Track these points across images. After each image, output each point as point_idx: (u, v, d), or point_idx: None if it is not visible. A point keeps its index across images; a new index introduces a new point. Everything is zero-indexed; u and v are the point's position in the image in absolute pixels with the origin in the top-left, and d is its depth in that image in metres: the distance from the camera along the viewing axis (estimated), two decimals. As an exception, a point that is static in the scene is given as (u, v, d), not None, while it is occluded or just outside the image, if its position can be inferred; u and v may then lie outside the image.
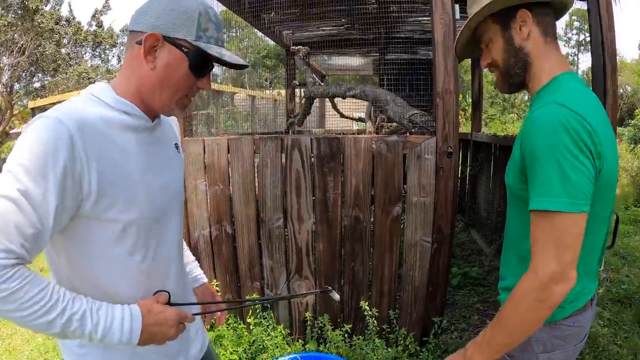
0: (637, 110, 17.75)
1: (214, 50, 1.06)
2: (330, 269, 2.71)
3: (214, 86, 6.03)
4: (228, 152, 2.82)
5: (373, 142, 2.57)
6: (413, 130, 2.65)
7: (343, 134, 5.09)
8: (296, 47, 4.66)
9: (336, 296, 1.39)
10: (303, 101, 3.98)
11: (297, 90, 5.62)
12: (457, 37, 1.33)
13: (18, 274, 0.88)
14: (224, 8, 4.05)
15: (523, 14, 1.19)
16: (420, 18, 4.40)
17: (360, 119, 5.15)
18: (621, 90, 27.56)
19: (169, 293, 1.10)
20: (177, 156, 1.25)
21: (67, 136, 0.92)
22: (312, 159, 2.62)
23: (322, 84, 3.95)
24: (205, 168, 2.92)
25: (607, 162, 1.08)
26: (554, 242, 1.02)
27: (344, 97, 3.24)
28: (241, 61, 1.12)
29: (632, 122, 16.37)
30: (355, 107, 4.54)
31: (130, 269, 1.07)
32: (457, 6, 2.70)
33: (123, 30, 20.32)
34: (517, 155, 1.14)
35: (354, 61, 6.90)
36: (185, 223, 3.03)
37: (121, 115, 1.05)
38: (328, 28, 4.92)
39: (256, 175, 2.76)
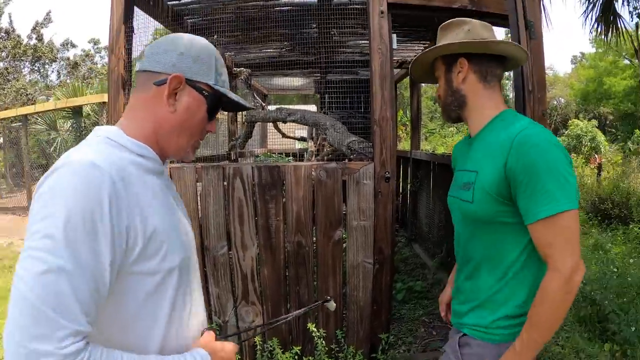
0: (570, 121, 18.86)
1: (232, 94, 1.09)
2: (276, 294, 2.75)
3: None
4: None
5: (313, 169, 2.64)
6: (352, 156, 2.75)
7: (285, 154, 5.16)
8: (238, 69, 4.71)
9: (332, 305, 1.50)
10: (244, 125, 4.02)
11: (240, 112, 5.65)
12: (414, 60, 1.56)
13: (92, 358, 0.80)
14: (161, 26, 4.03)
15: (462, 61, 1.41)
16: (360, 42, 4.57)
17: (302, 138, 5.24)
18: (555, 103, 29.29)
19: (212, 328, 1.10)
20: (177, 195, 1.21)
21: (109, 182, 0.84)
22: (254, 187, 2.67)
23: (264, 105, 4.01)
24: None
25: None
26: (566, 240, 1.19)
27: (284, 122, 3.31)
28: (247, 103, 1.18)
29: (566, 132, 17.40)
30: (298, 126, 4.63)
31: (169, 318, 0.99)
32: (394, 35, 2.82)
33: (64, 45, 19.64)
34: (496, 178, 1.28)
35: (296, 81, 7.02)
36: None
37: (139, 158, 0.98)
38: (270, 50, 5.00)
39: (199, 203, 2.78)
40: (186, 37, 1.07)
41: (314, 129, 4.46)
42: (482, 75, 1.41)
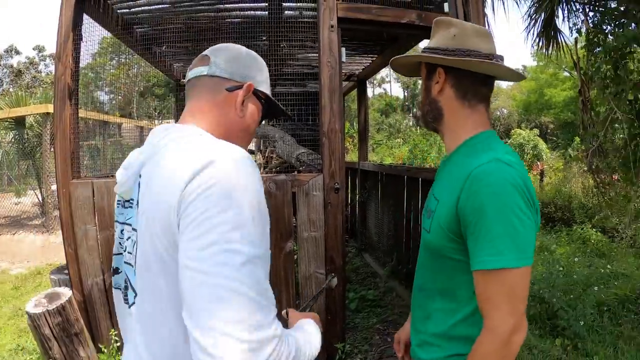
0: (512, 131, 19.65)
1: (277, 103, 1.18)
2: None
3: (100, 116, 5.81)
4: (118, 195, 2.74)
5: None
6: (301, 168, 2.78)
7: None
8: (186, 81, 4.64)
9: (334, 282, 1.56)
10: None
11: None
12: (395, 58, 1.38)
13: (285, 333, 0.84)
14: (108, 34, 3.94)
15: (440, 72, 1.24)
16: (309, 55, 4.63)
17: (250, 152, 5.22)
18: (498, 113, 30.55)
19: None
20: None
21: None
22: None
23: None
24: (95, 212, 2.82)
25: (538, 215, 1.14)
26: (507, 298, 1.03)
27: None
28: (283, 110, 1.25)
29: (509, 140, 18.07)
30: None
31: None
32: (343, 49, 2.88)
33: (8, 51, 18.69)
34: (449, 213, 1.13)
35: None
36: (77, 271, 2.88)
37: None
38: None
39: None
40: (245, 48, 1.13)
41: (261, 141, 4.47)
42: (460, 93, 1.23)
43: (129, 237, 0.96)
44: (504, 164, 1.08)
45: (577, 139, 17.70)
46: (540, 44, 5.70)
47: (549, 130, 25.75)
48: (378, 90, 52.43)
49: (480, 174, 1.07)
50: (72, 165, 2.95)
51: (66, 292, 2.57)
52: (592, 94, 4.70)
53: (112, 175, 3.65)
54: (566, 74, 23.46)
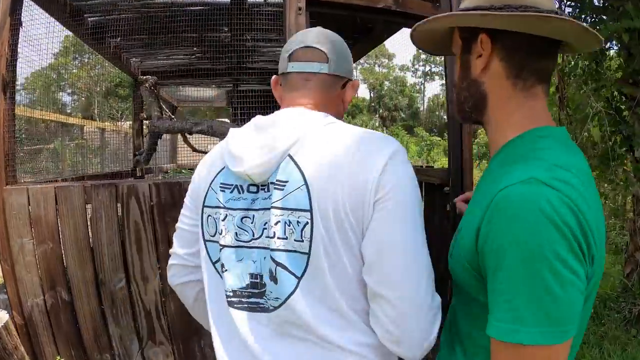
0: (479, 130, 19.90)
1: None
2: (187, 329, 2.39)
3: (62, 117, 5.42)
4: (56, 203, 2.38)
5: None
6: None
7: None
8: (144, 77, 4.29)
9: None
10: (147, 137, 3.61)
11: (145, 123, 5.18)
12: (416, 27, 0.99)
13: None
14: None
15: (483, 38, 0.87)
16: (275, 49, 4.33)
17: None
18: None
19: None
20: None
21: None
22: (153, 208, 2.30)
23: (173, 117, 3.64)
24: (32, 223, 2.44)
25: (599, 265, 0.77)
26: None
27: (190, 133, 2.97)
28: None
29: (476, 140, 18.30)
30: (211, 140, 4.22)
31: None
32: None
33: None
34: (470, 247, 0.80)
35: (208, 92, 6.61)
36: (15, 290, 2.51)
37: None
38: (179, 57, 4.62)
39: (90, 229, 2.37)
40: (340, 38, 1.13)
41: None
42: (514, 69, 0.86)
43: (277, 222, 0.90)
44: (543, 185, 0.71)
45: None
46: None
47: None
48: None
49: (502, 200, 0.73)
50: (7, 169, 2.57)
51: (2, 316, 2.22)
52: (568, 90, 4.59)
53: (55, 180, 3.28)
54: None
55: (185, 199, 1.10)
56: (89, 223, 2.34)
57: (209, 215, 1.00)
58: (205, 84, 5.54)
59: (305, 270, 0.87)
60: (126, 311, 2.38)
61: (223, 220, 0.96)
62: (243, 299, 0.93)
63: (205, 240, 1.02)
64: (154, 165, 5.78)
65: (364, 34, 4.12)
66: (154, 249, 2.33)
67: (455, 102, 1.00)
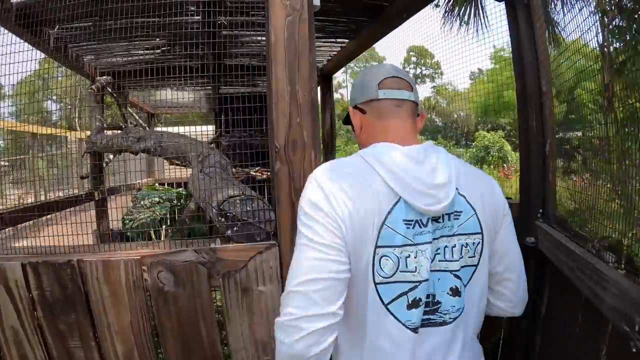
0: (477, 132, 19.24)
1: None
2: None
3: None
4: None
5: (144, 268, 1.40)
6: (229, 232, 1.48)
7: (177, 184, 3.82)
8: (99, 78, 3.43)
9: None
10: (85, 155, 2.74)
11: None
12: None
13: None
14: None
15: None
16: (259, 38, 3.47)
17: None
18: (456, 116, 30.43)
19: None
20: None
21: None
22: (35, 306, 1.38)
23: (145, 125, 2.78)
24: None
25: None
26: None
27: (135, 153, 2.11)
28: None
29: (474, 143, 17.64)
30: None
31: None
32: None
33: None
34: None
35: (189, 96, 5.67)
36: None
37: None
38: (140, 51, 3.72)
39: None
40: None
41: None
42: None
43: (455, 245, 1.08)
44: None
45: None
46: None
47: (504, 132, 25.87)
48: (335, 96, 52.01)
49: None
50: None
51: None
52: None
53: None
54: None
55: (323, 240, 0.99)
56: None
57: (383, 256, 1.01)
58: (178, 86, 4.59)
59: (470, 278, 1.11)
60: None
61: (415, 257, 1.02)
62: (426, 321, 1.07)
63: (376, 284, 1.01)
64: (121, 183, 4.92)
65: (372, 16, 3.24)
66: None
67: None
